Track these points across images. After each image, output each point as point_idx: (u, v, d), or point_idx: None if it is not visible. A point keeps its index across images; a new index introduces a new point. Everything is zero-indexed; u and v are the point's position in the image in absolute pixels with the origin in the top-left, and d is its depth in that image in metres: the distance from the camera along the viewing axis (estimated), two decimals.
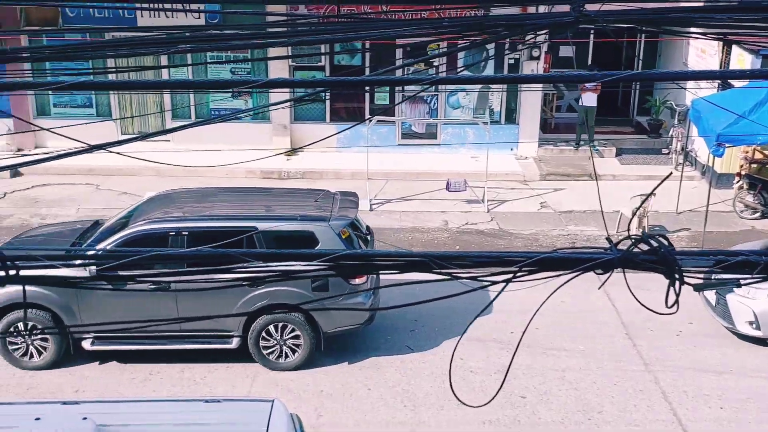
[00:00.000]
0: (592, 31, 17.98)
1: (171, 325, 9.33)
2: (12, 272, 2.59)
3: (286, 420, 5.92)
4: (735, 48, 14.67)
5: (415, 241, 13.68)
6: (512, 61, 17.53)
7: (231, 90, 14.37)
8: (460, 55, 16.61)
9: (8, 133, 16.96)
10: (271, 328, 9.56)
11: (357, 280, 9.44)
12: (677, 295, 2.79)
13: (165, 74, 15.70)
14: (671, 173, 14.42)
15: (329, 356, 9.93)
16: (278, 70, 16.80)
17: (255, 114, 16.97)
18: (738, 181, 14.80)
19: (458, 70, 16.11)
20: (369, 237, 10.46)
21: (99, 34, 15.97)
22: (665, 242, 2.75)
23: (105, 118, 17.11)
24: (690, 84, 15.08)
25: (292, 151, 17.32)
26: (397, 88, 17.43)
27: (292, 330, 9.57)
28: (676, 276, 2.72)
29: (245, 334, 9.59)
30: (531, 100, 17.49)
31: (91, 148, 3.73)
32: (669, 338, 10.48)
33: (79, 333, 9.56)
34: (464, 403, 4.19)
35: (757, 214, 14.60)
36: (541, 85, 17.06)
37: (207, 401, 6.20)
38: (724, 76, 11.95)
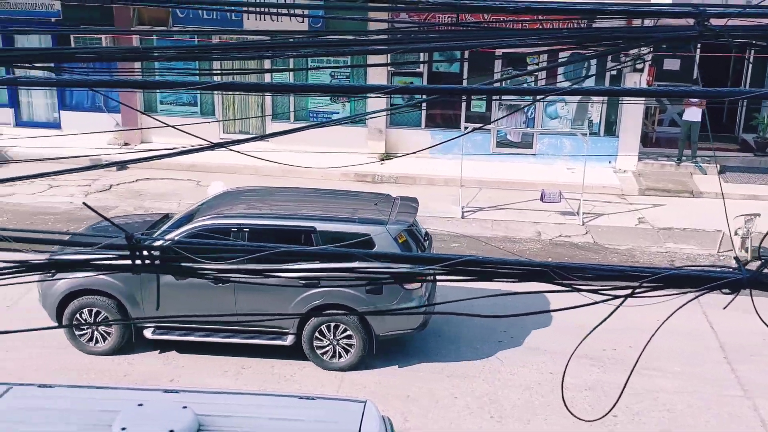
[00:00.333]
0: (698, 45, 17.42)
1: (229, 319, 9.45)
2: (147, 261, 2.71)
3: (378, 421, 5.96)
4: None
5: (507, 251, 13.55)
6: (614, 72, 17.17)
7: (332, 94, 14.57)
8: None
9: (117, 129, 17.70)
10: (324, 328, 9.67)
11: (411, 285, 9.39)
12: None
13: (267, 77, 16.06)
14: None
15: (415, 362, 9.95)
16: (377, 75, 16.97)
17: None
18: None
19: (557, 82, 15.88)
20: (427, 243, 10.42)
21: (207, 36, 16.50)
22: None
23: (208, 118, 17.67)
24: None
25: (387, 155, 17.43)
26: (494, 97, 17.32)
27: (344, 330, 9.65)
28: None
29: (299, 332, 9.74)
30: (632, 112, 17.09)
31: (213, 146, 3.86)
32: None
33: (143, 323, 9.86)
34: (577, 417, 4.10)
35: None
36: (643, 98, 16.68)
37: (301, 398, 6.28)
38: None
